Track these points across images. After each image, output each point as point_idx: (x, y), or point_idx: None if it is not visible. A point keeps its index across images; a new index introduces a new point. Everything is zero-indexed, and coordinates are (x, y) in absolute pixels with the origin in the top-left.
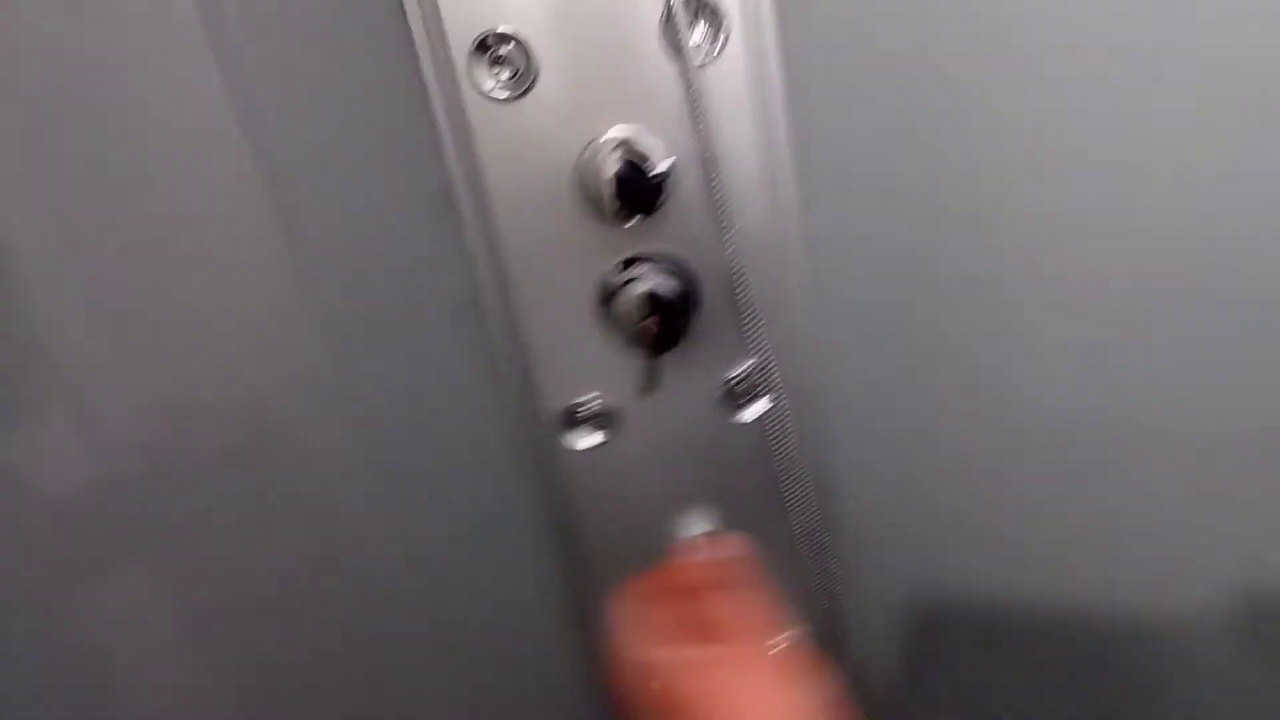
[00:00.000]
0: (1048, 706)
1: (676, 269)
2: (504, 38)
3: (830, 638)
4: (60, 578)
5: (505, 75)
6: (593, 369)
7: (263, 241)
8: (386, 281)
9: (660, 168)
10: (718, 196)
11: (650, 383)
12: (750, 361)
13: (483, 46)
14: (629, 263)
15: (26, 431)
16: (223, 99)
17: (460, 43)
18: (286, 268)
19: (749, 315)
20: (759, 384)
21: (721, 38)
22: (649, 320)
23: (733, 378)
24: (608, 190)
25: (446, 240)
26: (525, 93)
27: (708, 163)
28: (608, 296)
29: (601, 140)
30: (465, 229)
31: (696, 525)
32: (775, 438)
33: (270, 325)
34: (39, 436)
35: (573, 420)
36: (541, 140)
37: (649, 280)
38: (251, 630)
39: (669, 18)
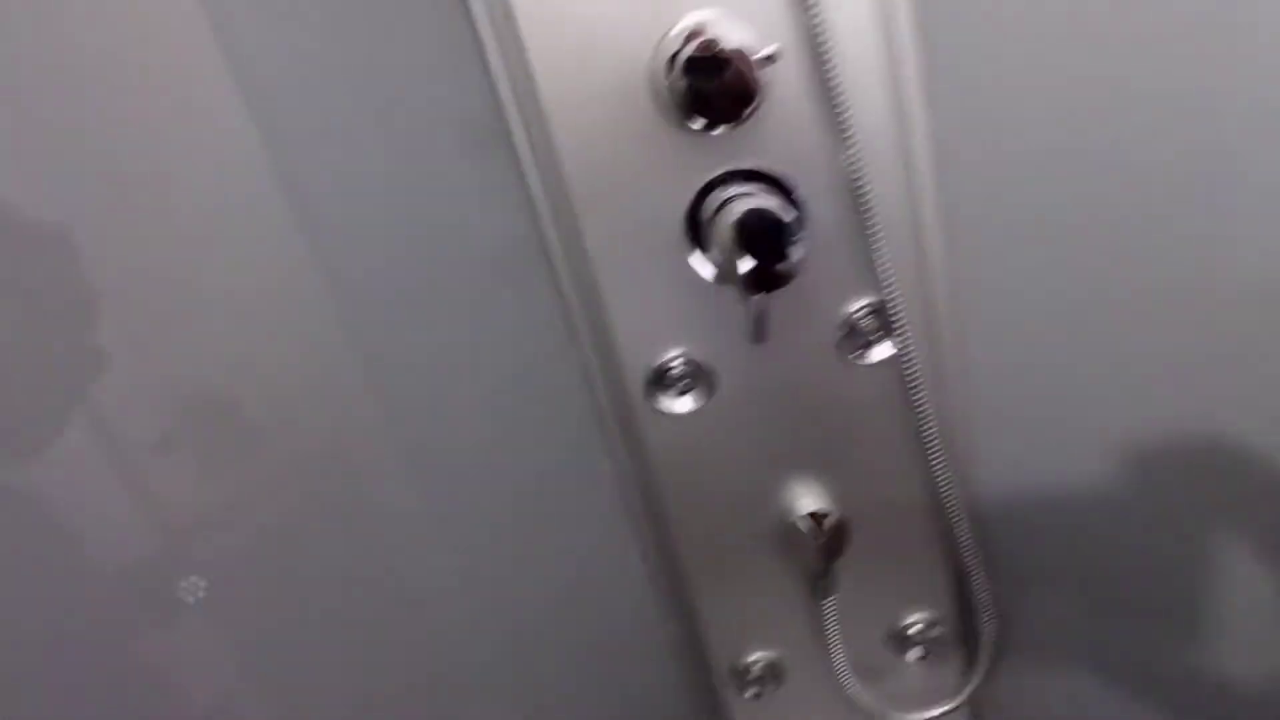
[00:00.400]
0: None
1: (778, 187)
2: None
3: (964, 616)
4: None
5: None
6: (682, 317)
7: (293, 192)
8: (428, 227)
9: (763, 52)
10: (833, 93)
11: (756, 330)
12: (872, 297)
13: None
14: (717, 182)
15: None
16: (222, 60)
17: None
18: (316, 223)
19: (871, 239)
20: (882, 323)
21: None
22: (749, 252)
23: (850, 315)
24: (687, 92)
25: (495, 171)
26: None
27: (818, 48)
28: (695, 226)
29: (676, 30)
30: (516, 155)
31: (807, 499)
32: (902, 387)
33: (303, 299)
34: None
35: (661, 380)
36: (604, 33)
37: (745, 202)
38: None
39: None
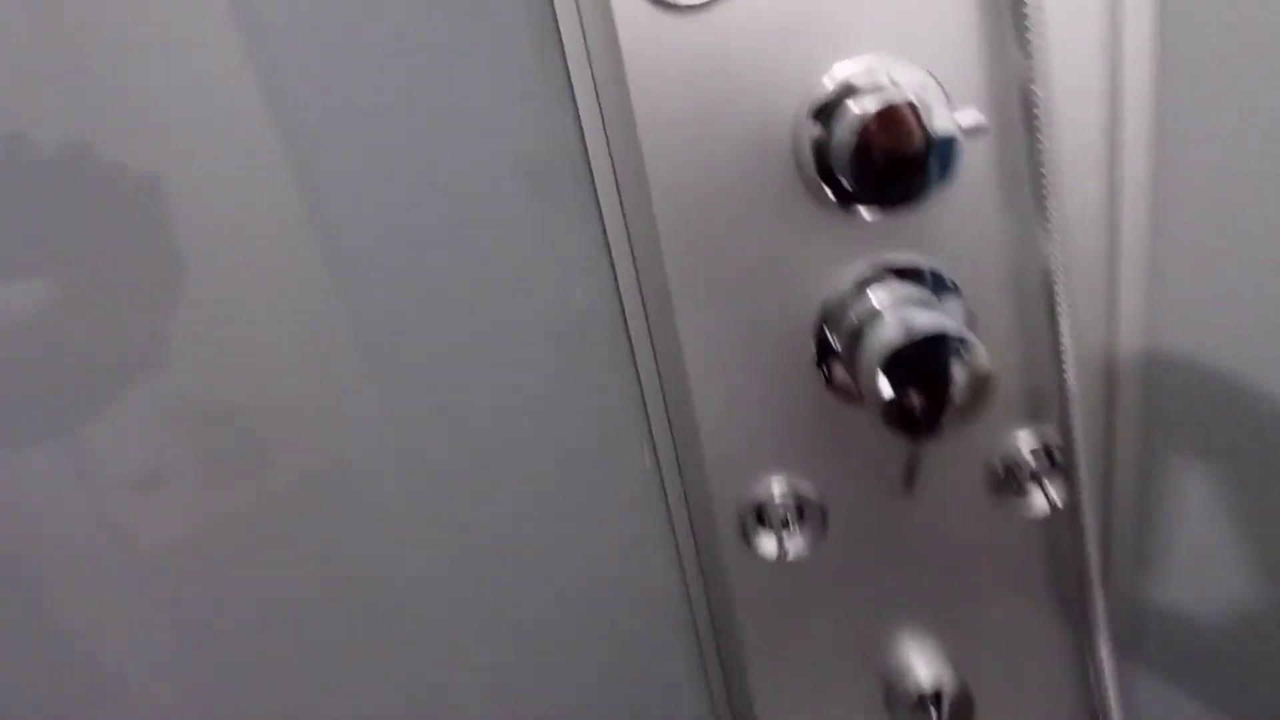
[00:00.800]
0: None
1: (945, 290)
2: None
3: None
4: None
5: None
6: (791, 439)
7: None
8: (471, 289)
9: (963, 120)
10: (1041, 175)
11: (908, 476)
12: (1044, 433)
13: None
14: (866, 280)
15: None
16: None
17: None
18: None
19: (1060, 365)
20: (1052, 465)
21: None
22: (911, 384)
23: (1012, 452)
24: (849, 161)
25: (570, 230)
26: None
27: (1029, 113)
28: (828, 331)
29: (835, 75)
30: (600, 215)
31: (922, 668)
32: (1062, 542)
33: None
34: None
35: (759, 516)
36: (732, 71)
37: (909, 316)
38: None
39: None
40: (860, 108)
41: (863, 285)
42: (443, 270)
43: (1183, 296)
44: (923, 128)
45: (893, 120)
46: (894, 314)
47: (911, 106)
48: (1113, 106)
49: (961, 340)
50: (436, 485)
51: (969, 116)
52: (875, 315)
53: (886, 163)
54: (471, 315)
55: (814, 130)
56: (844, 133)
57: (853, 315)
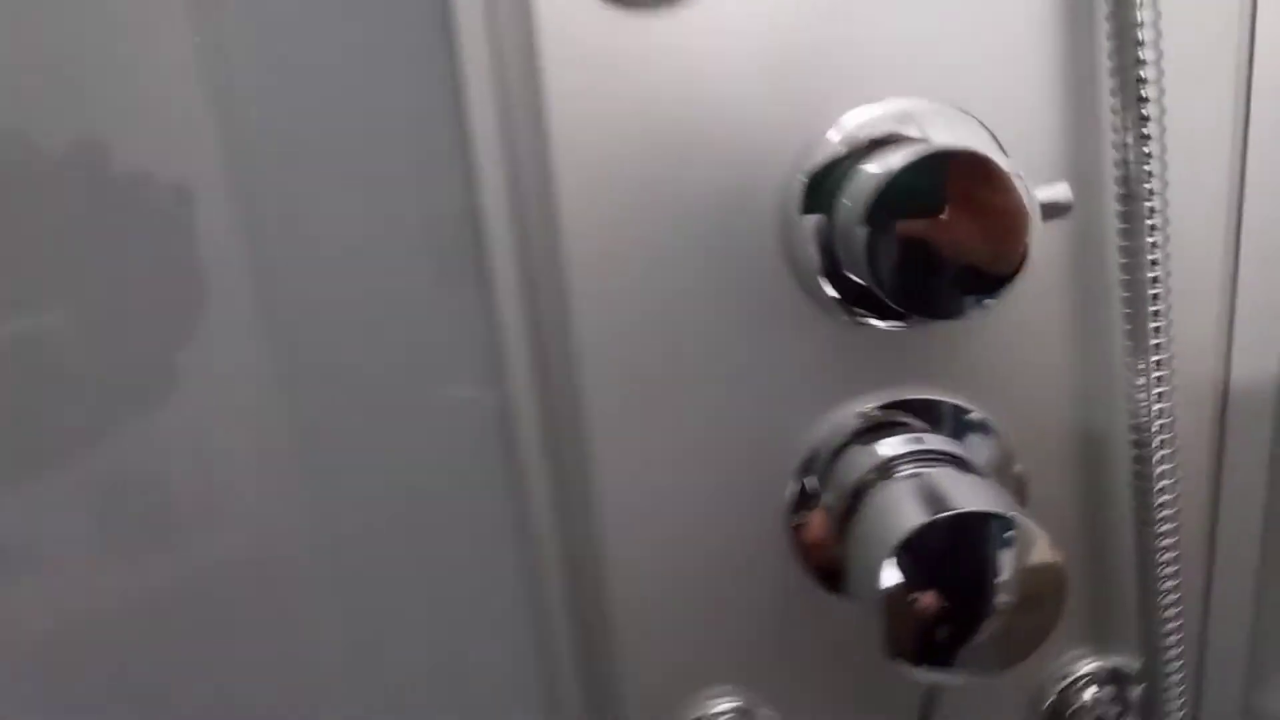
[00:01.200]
0: None
1: (996, 448)
2: None
3: None
4: None
5: None
6: (749, 651)
7: None
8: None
9: (1046, 194)
10: (1146, 287)
11: (926, 711)
12: (1117, 663)
13: None
14: (882, 427)
15: None
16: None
17: None
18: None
19: (1158, 581)
20: (1127, 708)
21: None
22: (932, 585)
23: (1072, 687)
24: (863, 245)
25: (463, 323)
26: None
27: (1131, 189)
28: (814, 502)
29: (845, 126)
30: (486, 298)
31: None
32: None
33: None
34: None
35: None
36: (696, 108)
37: (934, 481)
38: None
39: None
40: (888, 175)
41: (867, 430)
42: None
43: None
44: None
45: (944, 180)
46: (912, 479)
47: (987, 165)
48: (1238, 209)
49: (1012, 523)
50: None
51: (1055, 191)
52: (884, 477)
53: (931, 257)
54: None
55: (803, 199)
56: (860, 208)
57: (850, 472)
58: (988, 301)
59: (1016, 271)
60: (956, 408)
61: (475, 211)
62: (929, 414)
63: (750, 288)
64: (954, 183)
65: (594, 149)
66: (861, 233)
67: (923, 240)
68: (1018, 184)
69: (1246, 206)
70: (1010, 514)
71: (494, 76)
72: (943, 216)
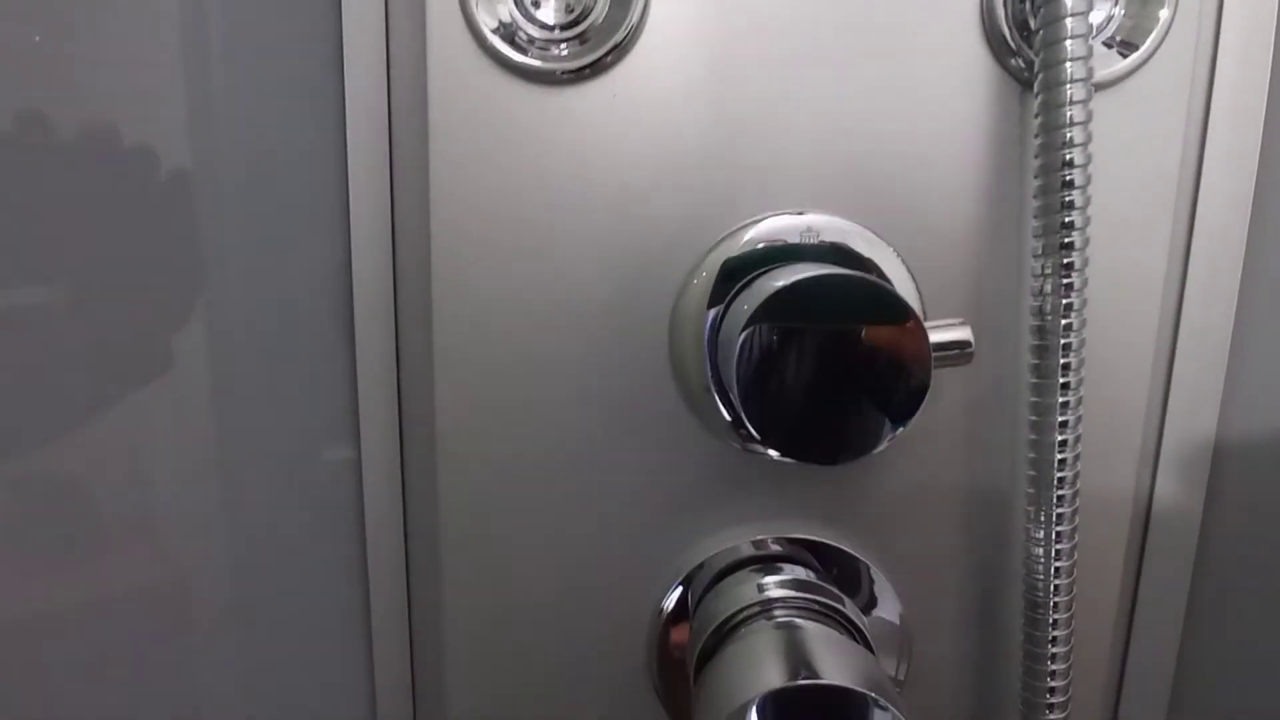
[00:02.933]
0: None
1: (886, 613)
2: None
3: None
4: None
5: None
6: None
7: None
8: None
9: (947, 334)
10: (1054, 435)
11: None
12: None
13: None
14: (770, 560)
15: None
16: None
17: None
18: None
19: None
20: None
21: (1142, 32)
22: None
23: None
24: (748, 369)
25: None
26: (589, 65)
27: (1045, 350)
28: (668, 631)
29: (764, 231)
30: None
31: None
32: None
33: None
34: None
35: None
36: (604, 191)
37: (807, 651)
38: None
39: None
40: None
41: (754, 561)
42: None
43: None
44: (907, 349)
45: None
46: (783, 630)
47: (883, 298)
48: (1167, 368)
49: (875, 705)
50: None
51: (956, 333)
52: (760, 616)
53: (814, 394)
54: None
55: (712, 317)
56: (741, 322)
57: (726, 604)
58: (869, 449)
59: (902, 420)
60: (846, 553)
61: (348, 268)
62: (820, 555)
63: (637, 397)
64: (844, 313)
65: (475, 217)
66: (736, 352)
67: (801, 373)
68: (914, 325)
69: (1177, 371)
70: (874, 696)
71: (381, 130)
72: (826, 349)
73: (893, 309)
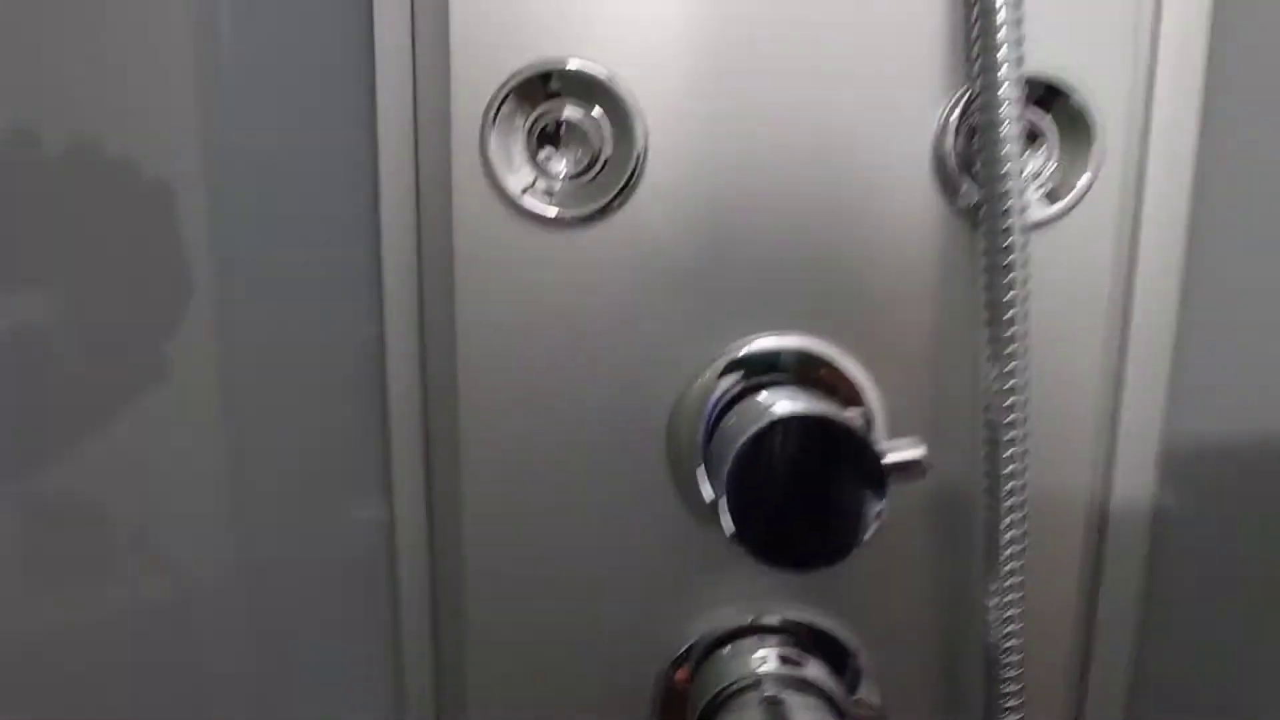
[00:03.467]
0: None
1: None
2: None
3: None
4: None
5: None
6: None
7: None
8: None
9: (901, 454)
10: (1003, 541)
11: None
12: None
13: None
14: (761, 633)
15: None
16: None
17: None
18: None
19: None
20: None
21: (1069, 183)
22: None
23: None
24: (725, 476)
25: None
26: (606, 205)
27: (996, 457)
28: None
29: (756, 346)
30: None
31: None
32: None
33: None
34: None
35: None
36: (608, 318)
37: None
38: None
39: (960, 133)
40: (762, 412)
41: (745, 634)
42: None
43: None
44: (838, 462)
45: (809, 444)
46: (768, 707)
47: (842, 431)
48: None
49: None
50: None
51: (912, 452)
52: (749, 689)
53: (789, 513)
54: None
55: (705, 415)
56: (732, 440)
57: (719, 677)
58: (835, 561)
59: (857, 541)
60: (823, 632)
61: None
62: (805, 634)
63: (641, 492)
64: (811, 447)
65: (498, 338)
66: (724, 477)
67: (778, 499)
68: (871, 459)
69: (1117, 471)
70: None
71: (412, 256)
72: (797, 477)
73: (854, 446)
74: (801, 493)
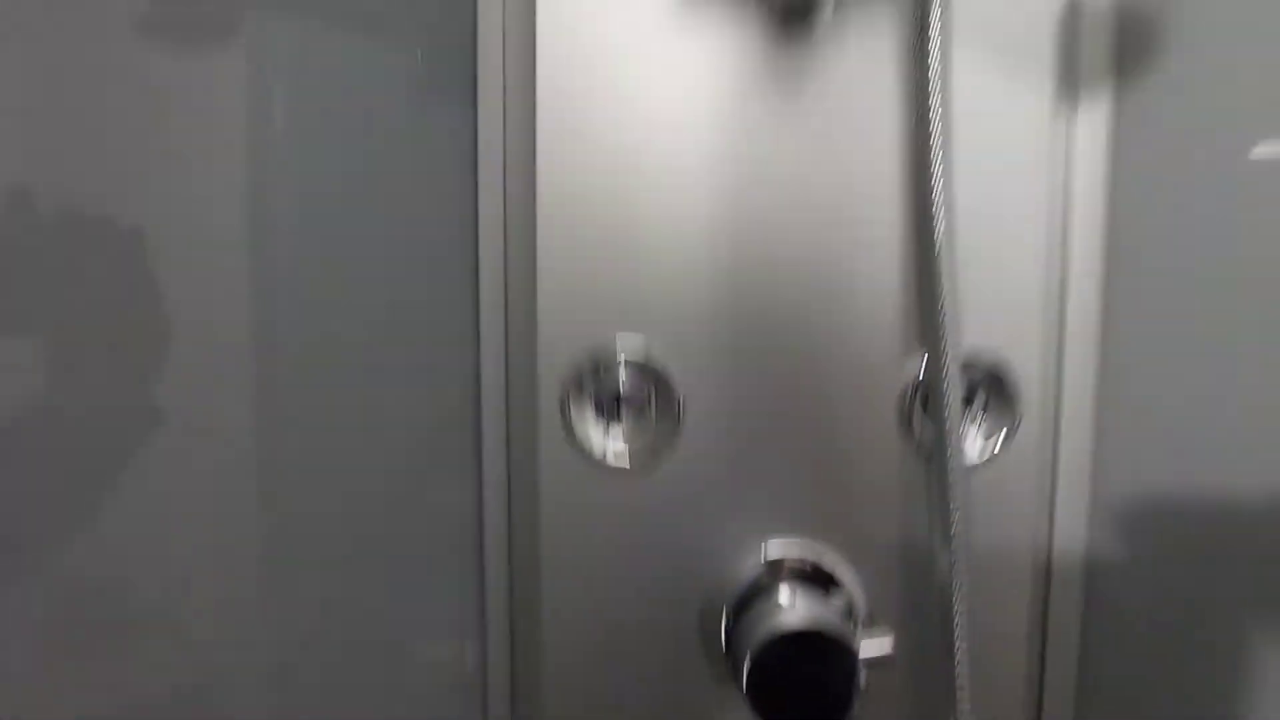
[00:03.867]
0: None
1: None
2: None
3: None
4: None
5: (628, 430)
6: None
7: None
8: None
9: (870, 650)
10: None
11: None
12: None
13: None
14: None
15: None
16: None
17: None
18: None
19: None
20: None
21: (998, 432)
22: None
23: None
24: (744, 668)
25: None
26: (654, 449)
27: (950, 641)
28: None
29: (770, 553)
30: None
31: None
32: None
33: None
34: None
35: None
36: (659, 533)
37: None
38: None
39: (918, 391)
40: (773, 614)
41: None
42: None
43: None
44: (825, 646)
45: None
46: None
47: (832, 642)
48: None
49: None
50: None
51: (879, 645)
52: None
53: (791, 695)
54: None
55: (727, 613)
56: (749, 638)
57: None
58: None
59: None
60: None
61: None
62: None
63: (682, 678)
64: (808, 647)
65: (578, 563)
66: (743, 668)
67: (785, 684)
68: (850, 662)
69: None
70: None
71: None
72: (799, 669)
73: (839, 649)
74: (802, 678)
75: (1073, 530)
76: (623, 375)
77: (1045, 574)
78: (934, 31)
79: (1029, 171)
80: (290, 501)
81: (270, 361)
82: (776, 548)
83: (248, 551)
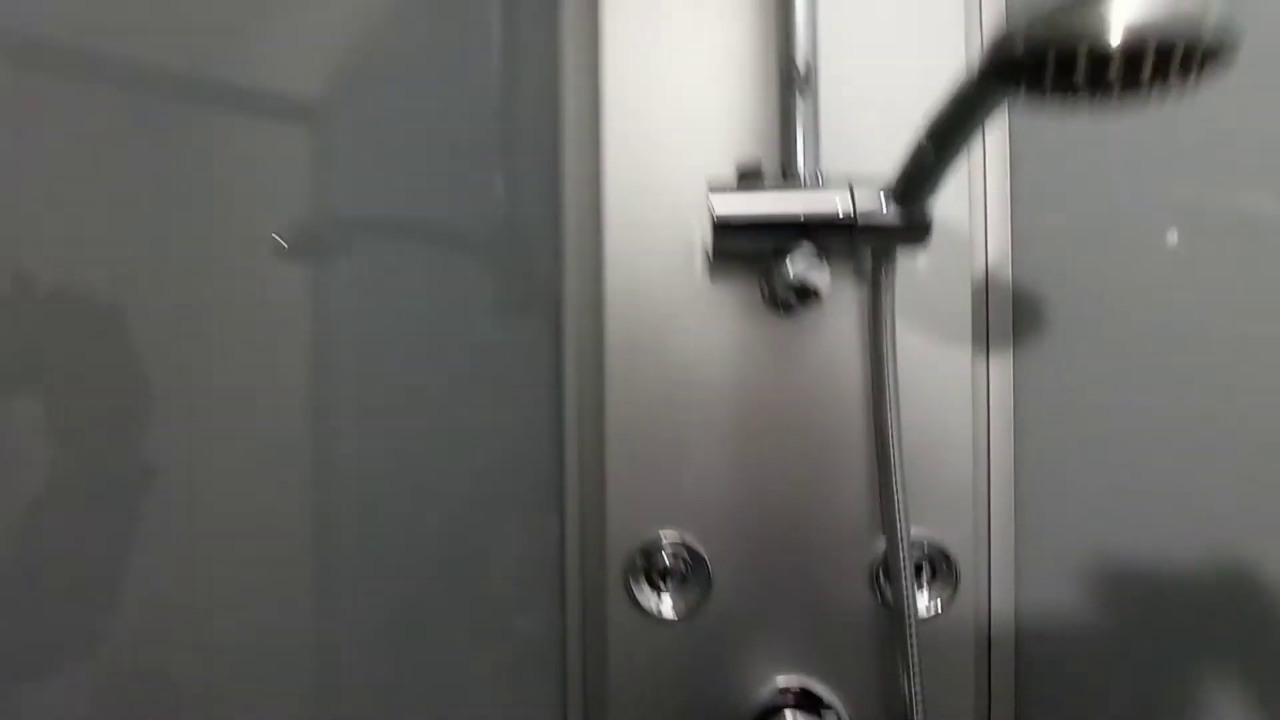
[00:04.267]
0: None
1: None
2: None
3: None
4: None
5: (673, 593)
6: None
7: None
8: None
9: None
10: None
11: None
12: None
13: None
14: None
15: None
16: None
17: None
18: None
19: None
20: None
21: (943, 594)
22: None
23: None
24: None
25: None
26: (686, 616)
27: None
28: None
29: (778, 684)
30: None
31: None
32: None
33: None
34: None
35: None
36: (699, 667)
37: None
38: None
39: (882, 563)
40: None
41: None
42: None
43: None
44: None
45: None
46: None
47: None
48: None
49: None
50: None
51: None
52: None
53: None
54: None
55: None
56: None
57: None
58: None
59: None
60: None
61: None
62: None
63: None
64: None
65: (639, 688)
66: None
67: None
68: None
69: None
70: None
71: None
72: None
73: None
74: None
75: (1004, 662)
76: (667, 557)
77: (986, 693)
78: (886, 312)
79: (956, 404)
80: (404, 633)
81: (372, 552)
82: (782, 679)
83: None
